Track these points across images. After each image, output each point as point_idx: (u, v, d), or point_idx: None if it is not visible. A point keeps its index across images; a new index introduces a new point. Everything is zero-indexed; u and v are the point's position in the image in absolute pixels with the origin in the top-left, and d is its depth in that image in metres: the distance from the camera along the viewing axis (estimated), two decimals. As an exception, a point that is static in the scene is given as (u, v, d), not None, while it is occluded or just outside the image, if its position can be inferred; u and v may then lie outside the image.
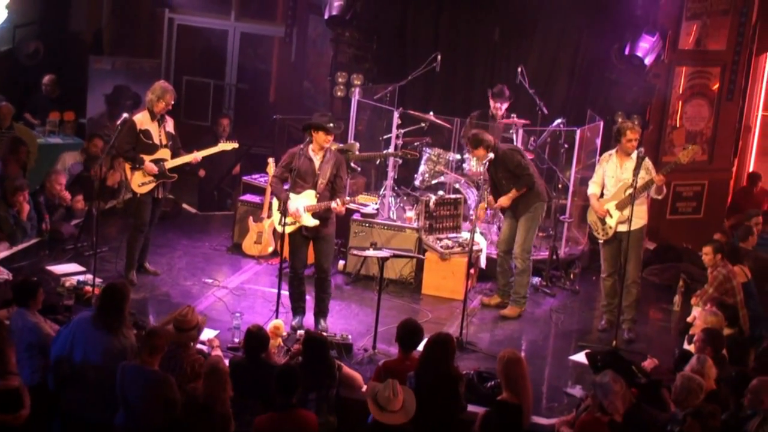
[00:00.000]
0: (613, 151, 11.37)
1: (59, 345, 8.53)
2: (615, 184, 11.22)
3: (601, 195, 11.37)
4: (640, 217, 11.14)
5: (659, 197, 11.32)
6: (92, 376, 8.34)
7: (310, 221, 10.61)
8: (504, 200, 11.71)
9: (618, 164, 11.22)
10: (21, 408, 8.35)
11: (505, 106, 13.40)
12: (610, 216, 11.19)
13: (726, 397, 8.60)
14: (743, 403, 8.33)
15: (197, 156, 11.92)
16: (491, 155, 11.51)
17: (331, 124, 10.58)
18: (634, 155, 11.09)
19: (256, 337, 8.79)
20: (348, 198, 10.89)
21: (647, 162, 11.07)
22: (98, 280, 10.98)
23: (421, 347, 8.80)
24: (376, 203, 13.24)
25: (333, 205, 10.51)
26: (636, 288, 11.41)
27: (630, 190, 10.91)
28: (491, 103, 13.43)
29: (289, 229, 10.66)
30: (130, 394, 8.12)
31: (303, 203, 10.57)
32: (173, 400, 8.08)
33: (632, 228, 11.09)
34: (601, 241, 11.48)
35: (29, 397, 8.48)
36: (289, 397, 7.95)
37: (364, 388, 9.12)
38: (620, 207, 11.11)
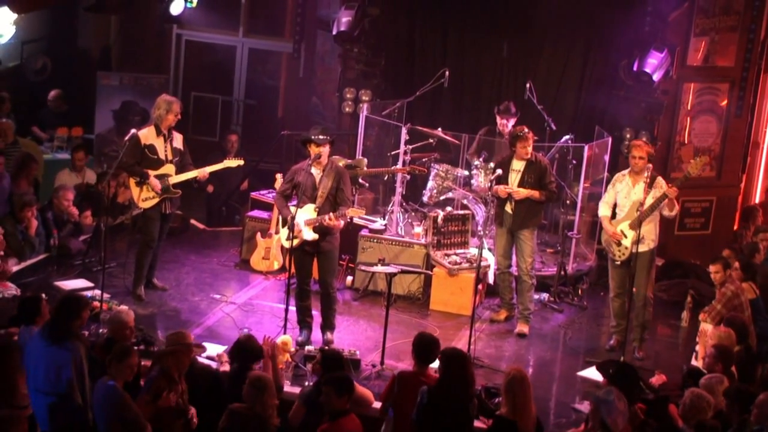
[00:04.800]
0: (626, 171, 11.31)
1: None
2: (628, 204, 11.12)
3: (614, 216, 11.31)
4: (650, 238, 11.07)
5: (671, 215, 11.22)
6: (43, 388, 8.27)
7: (310, 235, 10.60)
8: (523, 192, 11.55)
9: (630, 184, 11.16)
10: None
11: (512, 122, 13.31)
12: (625, 236, 11.10)
13: (730, 412, 8.57)
14: (747, 418, 8.29)
15: (204, 171, 11.90)
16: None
17: (320, 136, 10.54)
18: (647, 174, 11.03)
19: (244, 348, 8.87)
20: (338, 212, 10.49)
21: (660, 180, 11.00)
22: (106, 296, 11.01)
23: (436, 363, 8.70)
24: (379, 220, 13.20)
25: (326, 219, 10.46)
26: (648, 308, 11.36)
27: (642, 208, 10.89)
28: (498, 120, 13.41)
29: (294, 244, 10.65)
30: (95, 410, 8.14)
31: (303, 217, 10.57)
32: (131, 420, 7.96)
33: (641, 250, 10.96)
34: (618, 263, 11.34)
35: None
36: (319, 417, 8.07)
37: (375, 404, 9.11)
38: (633, 226, 11.01)
